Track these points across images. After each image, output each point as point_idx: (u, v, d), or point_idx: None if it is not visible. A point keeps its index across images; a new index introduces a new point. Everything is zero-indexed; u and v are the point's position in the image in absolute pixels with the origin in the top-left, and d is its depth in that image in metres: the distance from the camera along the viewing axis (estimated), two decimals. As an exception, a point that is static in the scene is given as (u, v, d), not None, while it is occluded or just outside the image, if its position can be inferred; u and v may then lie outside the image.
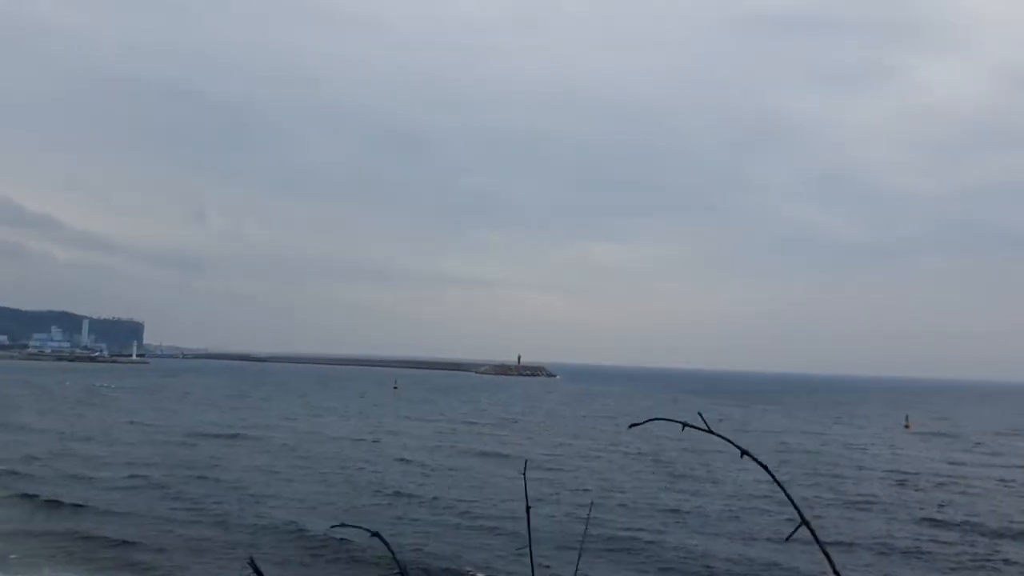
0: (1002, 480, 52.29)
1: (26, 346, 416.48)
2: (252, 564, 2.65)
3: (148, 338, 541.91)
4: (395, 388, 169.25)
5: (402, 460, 53.63)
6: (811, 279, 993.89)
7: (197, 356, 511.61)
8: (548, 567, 25.73)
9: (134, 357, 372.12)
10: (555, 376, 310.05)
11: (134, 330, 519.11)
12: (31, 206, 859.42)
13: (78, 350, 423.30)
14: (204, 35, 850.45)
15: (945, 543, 33.01)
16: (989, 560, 30.31)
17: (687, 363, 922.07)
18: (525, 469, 3.59)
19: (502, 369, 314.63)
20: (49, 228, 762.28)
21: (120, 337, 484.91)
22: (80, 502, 36.90)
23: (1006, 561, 30.13)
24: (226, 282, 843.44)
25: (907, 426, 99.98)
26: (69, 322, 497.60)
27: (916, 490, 47.10)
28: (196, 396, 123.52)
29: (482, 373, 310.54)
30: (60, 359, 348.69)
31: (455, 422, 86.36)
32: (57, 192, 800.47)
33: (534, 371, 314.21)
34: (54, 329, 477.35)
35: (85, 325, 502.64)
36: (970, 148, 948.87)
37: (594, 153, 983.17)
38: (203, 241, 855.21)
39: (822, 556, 2.55)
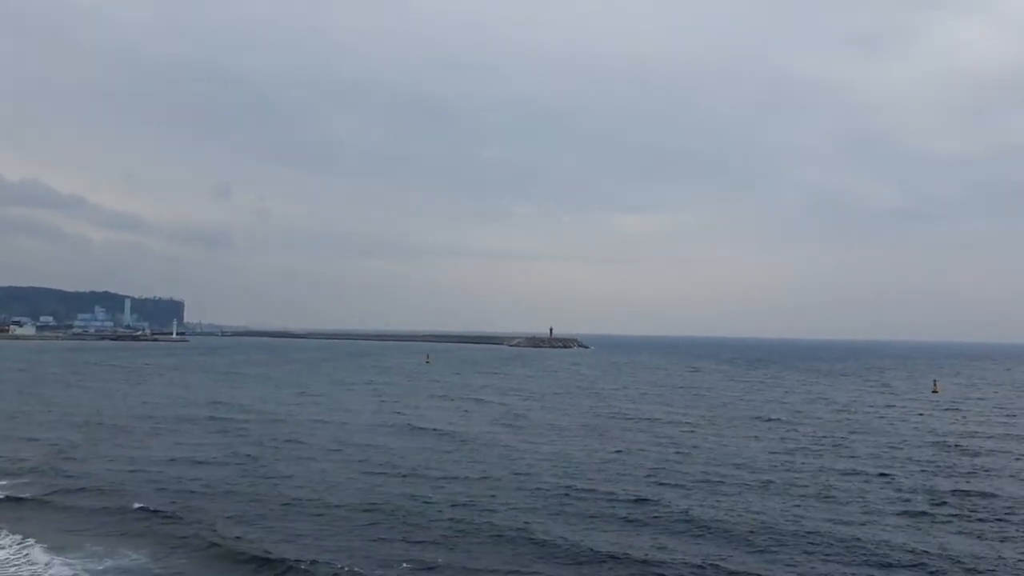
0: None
1: (71, 326, 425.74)
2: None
3: (188, 316, 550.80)
4: (427, 361, 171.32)
5: (428, 431, 54.52)
6: (842, 244, 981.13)
7: (236, 333, 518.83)
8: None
9: (174, 335, 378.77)
10: (588, 347, 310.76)
11: (175, 309, 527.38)
12: (62, 188, 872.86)
13: (121, 329, 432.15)
14: (229, 13, 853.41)
15: (968, 508, 33.07)
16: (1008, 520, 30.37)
17: (719, 332, 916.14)
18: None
19: (534, 341, 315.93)
20: (82, 209, 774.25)
21: (161, 316, 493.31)
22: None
23: None
24: (260, 260, 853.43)
25: (935, 391, 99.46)
26: (112, 302, 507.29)
27: (940, 452, 46.94)
28: (242, 373, 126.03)
29: (514, 345, 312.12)
30: (103, 338, 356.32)
31: (476, 393, 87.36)
32: (87, 173, 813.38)
33: (566, 343, 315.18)
34: (97, 309, 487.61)
35: (127, 304, 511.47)
36: (1002, 108, 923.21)
37: (618, 122, 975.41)
38: (234, 219, 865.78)
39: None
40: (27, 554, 26.60)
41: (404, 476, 39.85)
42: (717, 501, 34.48)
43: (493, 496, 35.12)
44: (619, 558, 26.08)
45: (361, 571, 24.57)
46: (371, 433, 55.50)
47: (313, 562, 25.16)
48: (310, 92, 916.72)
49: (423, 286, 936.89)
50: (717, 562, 25.65)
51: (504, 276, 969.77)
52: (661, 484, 38.15)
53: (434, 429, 57.24)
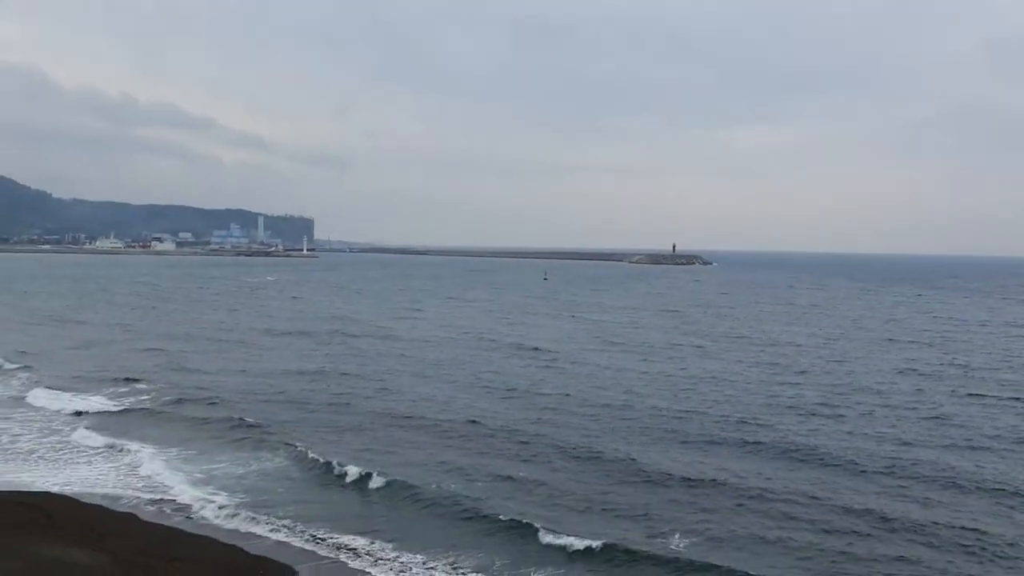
0: None
1: (208, 242, 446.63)
2: None
3: (318, 233, 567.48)
4: (544, 279, 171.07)
5: (537, 350, 54.10)
6: (984, 157, 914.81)
7: (363, 250, 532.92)
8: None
9: (305, 251, 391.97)
10: (711, 264, 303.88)
11: (305, 226, 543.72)
12: (193, 110, 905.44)
13: (254, 245, 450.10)
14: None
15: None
16: None
17: (849, 248, 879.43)
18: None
19: (655, 258, 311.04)
20: (212, 130, 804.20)
21: (292, 232, 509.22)
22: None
23: None
24: (382, 179, 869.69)
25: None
26: (246, 219, 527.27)
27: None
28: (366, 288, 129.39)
29: (635, 263, 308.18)
30: (239, 254, 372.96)
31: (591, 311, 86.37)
32: (214, 96, 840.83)
33: (689, 260, 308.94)
34: (232, 226, 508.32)
35: (260, 221, 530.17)
36: None
37: (743, 34, 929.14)
38: (355, 139, 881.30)
39: None
40: (161, 461, 27.61)
41: (497, 392, 39.53)
42: (832, 429, 32.55)
43: (592, 417, 34.33)
44: (721, 483, 24.91)
45: (451, 485, 24.37)
46: (477, 350, 55.41)
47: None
48: (426, 10, 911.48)
49: (542, 204, 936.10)
50: (825, 492, 24.10)
51: (624, 193, 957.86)
52: (772, 408, 36.41)
53: (539, 348, 56.67)
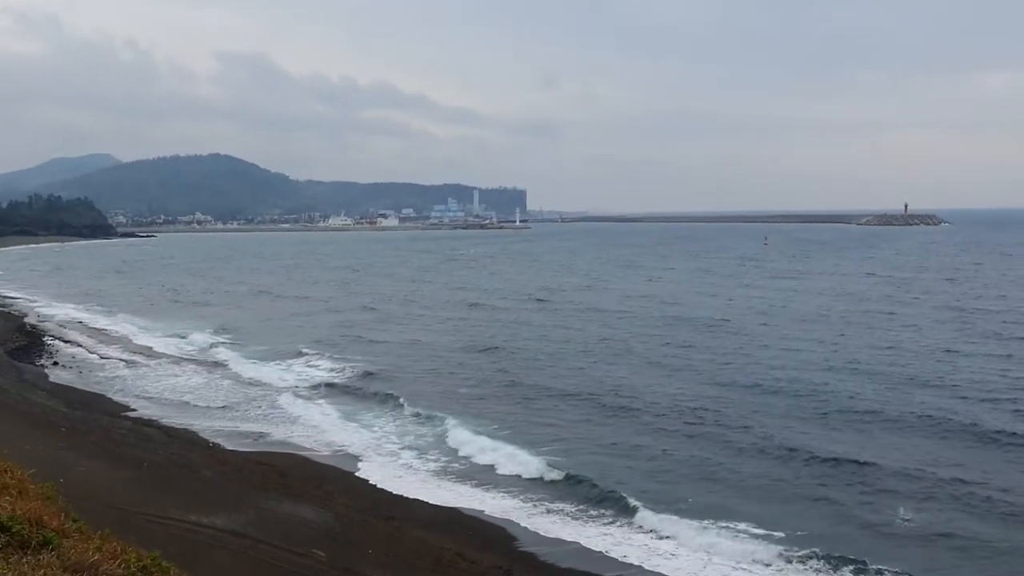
0: None
1: (428, 217, 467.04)
2: None
3: (530, 204, 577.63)
4: (765, 244, 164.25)
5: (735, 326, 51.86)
6: None
7: (575, 219, 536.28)
8: None
9: (518, 223, 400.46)
10: (950, 224, 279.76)
11: (518, 197, 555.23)
12: (406, 88, 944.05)
13: (470, 218, 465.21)
14: None
15: None
16: None
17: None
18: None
19: (885, 219, 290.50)
20: (423, 107, 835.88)
21: (506, 204, 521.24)
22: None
23: None
24: (592, 147, 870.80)
25: None
26: (462, 193, 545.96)
27: None
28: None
29: (863, 224, 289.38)
30: (456, 227, 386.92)
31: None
32: (424, 72, 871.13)
33: (923, 219, 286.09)
34: (450, 200, 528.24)
35: (475, 195, 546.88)
36: None
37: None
38: (564, 108, 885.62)
39: None
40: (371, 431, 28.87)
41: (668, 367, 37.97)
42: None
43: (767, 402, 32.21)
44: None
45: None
46: (677, 328, 51.33)
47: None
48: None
49: (760, 165, 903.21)
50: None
51: (849, 149, 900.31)
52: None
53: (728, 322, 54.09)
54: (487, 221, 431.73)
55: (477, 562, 17.30)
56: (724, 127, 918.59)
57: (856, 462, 22.95)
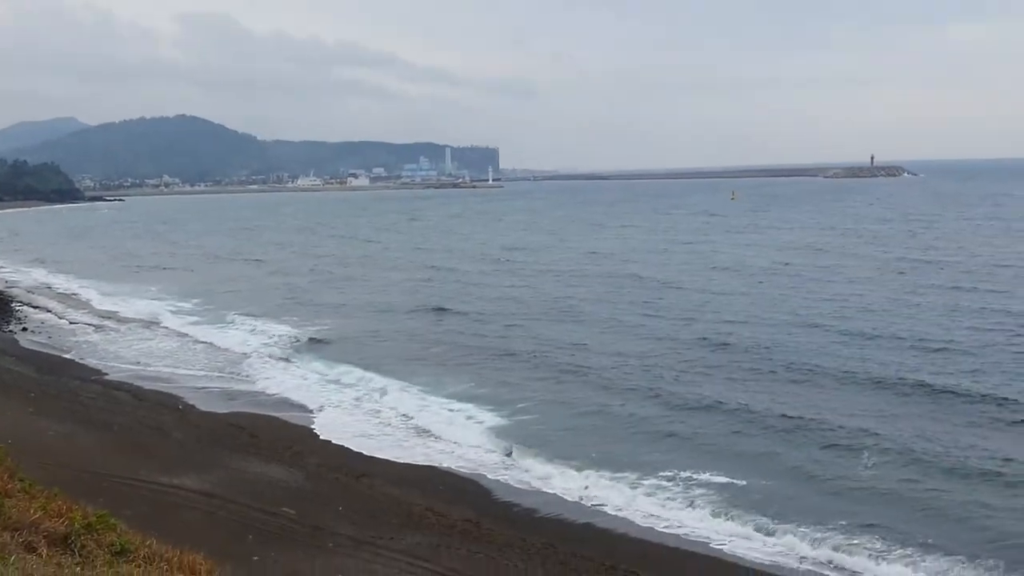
0: None
1: (399, 176, 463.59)
2: None
3: (503, 163, 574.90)
4: (732, 198, 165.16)
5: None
6: None
7: (547, 178, 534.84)
8: None
9: (490, 182, 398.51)
10: (916, 175, 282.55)
11: (490, 156, 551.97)
12: (373, 46, 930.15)
13: (443, 177, 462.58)
14: None
15: None
16: None
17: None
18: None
19: (853, 172, 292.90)
20: (394, 66, 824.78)
21: (478, 163, 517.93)
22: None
23: None
24: (564, 106, 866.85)
25: None
26: (434, 152, 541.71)
27: None
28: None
29: (830, 177, 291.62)
30: (428, 187, 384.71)
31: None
32: (393, 30, 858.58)
33: (890, 171, 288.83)
34: (421, 159, 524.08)
35: (447, 154, 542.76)
36: None
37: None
38: (536, 68, 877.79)
39: None
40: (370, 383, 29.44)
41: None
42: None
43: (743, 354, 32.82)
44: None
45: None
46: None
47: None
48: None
49: (730, 121, 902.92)
50: None
51: (820, 104, 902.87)
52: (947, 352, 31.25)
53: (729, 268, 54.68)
54: (459, 180, 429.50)
55: (446, 515, 17.73)
56: (695, 84, 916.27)
57: (812, 419, 23.48)
